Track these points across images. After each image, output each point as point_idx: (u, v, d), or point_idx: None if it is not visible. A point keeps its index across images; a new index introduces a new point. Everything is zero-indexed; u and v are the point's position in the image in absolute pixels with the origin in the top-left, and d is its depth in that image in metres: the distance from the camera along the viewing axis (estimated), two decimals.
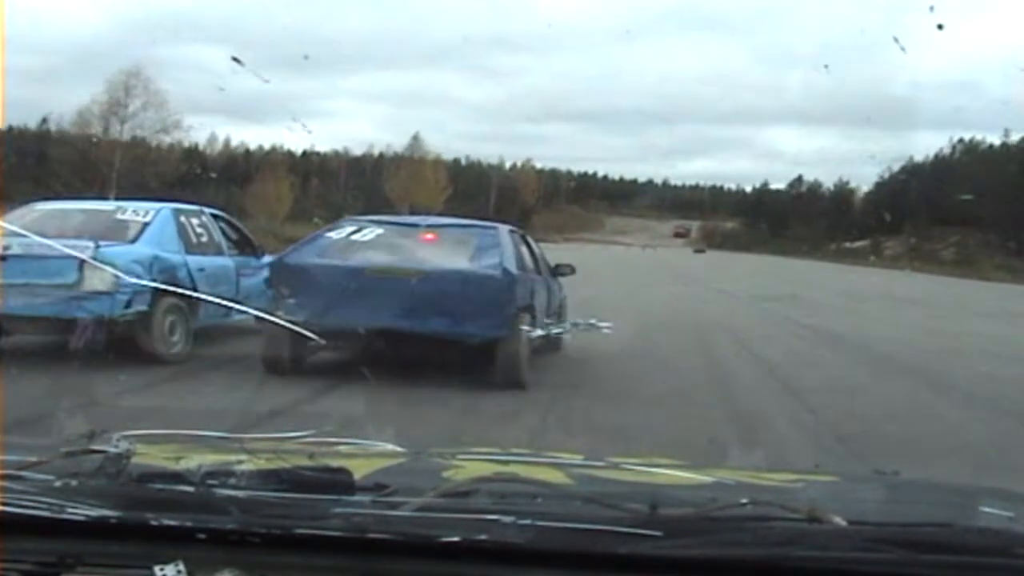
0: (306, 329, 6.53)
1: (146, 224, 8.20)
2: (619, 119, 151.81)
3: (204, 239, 8.86)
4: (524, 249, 8.39)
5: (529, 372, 7.34)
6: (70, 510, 1.10)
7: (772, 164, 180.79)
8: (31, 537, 1.10)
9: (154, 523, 1.09)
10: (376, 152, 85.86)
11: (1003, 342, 13.76)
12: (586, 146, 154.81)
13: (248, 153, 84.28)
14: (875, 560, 1.04)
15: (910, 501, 1.58)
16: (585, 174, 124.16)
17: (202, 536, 1.08)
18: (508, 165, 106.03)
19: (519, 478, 1.35)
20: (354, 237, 7.56)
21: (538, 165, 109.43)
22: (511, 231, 8.18)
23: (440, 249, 7.48)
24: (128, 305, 7.44)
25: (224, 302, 7.80)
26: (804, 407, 7.12)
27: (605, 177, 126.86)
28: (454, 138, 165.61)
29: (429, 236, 7.75)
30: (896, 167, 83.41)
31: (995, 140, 74.16)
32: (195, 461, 1.24)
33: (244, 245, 9.70)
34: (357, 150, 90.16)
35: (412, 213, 66.35)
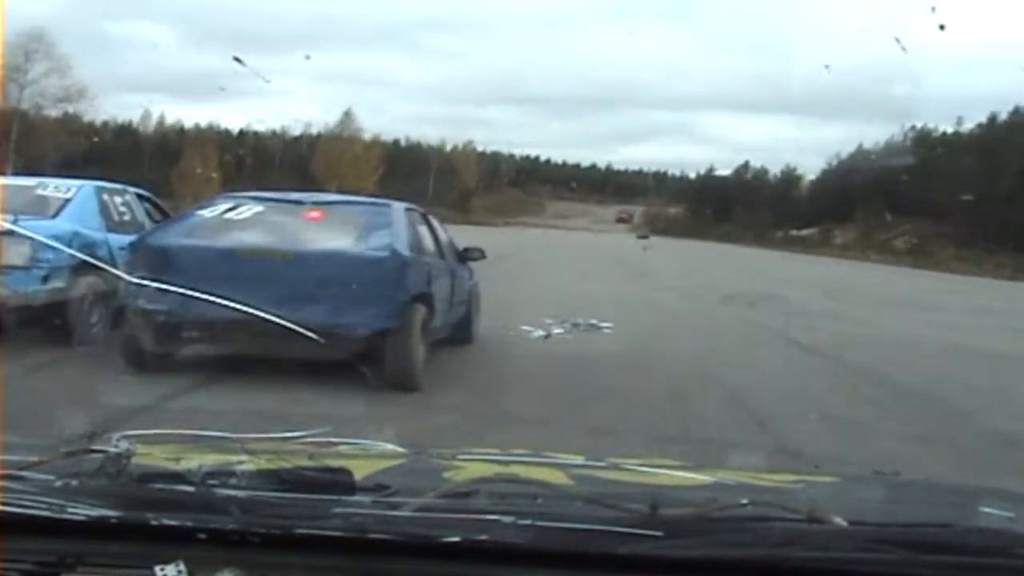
0: (170, 318, 6.14)
1: (67, 200, 8.03)
2: (563, 103, 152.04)
3: (127, 218, 8.69)
4: (423, 230, 7.69)
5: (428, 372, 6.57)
6: (70, 510, 1.10)
7: (717, 151, 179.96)
8: (31, 537, 1.10)
9: (154, 523, 1.09)
10: (315, 132, 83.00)
11: None
12: (529, 130, 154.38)
13: (183, 131, 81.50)
14: (875, 560, 1.04)
15: (910, 501, 1.58)
16: (527, 157, 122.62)
17: (202, 536, 1.08)
18: (449, 147, 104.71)
19: (519, 478, 1.35)
20: (228, 215, 6.82)
21: (480, 148, 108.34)
22: (408, 209, 7.47)
23: (324, 229, 6.76)
24: (45, 281, 7.23)
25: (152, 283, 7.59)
26: None
27: (548, 161, 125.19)
28: (397, 120, 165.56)
29: (314, 214, 7.00)
30: (844, 154, 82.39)
31: (948, 128, 73.50)
32: (195, 461, 1.24)
33: None
34: (298, 130, 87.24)
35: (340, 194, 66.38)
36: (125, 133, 74.02)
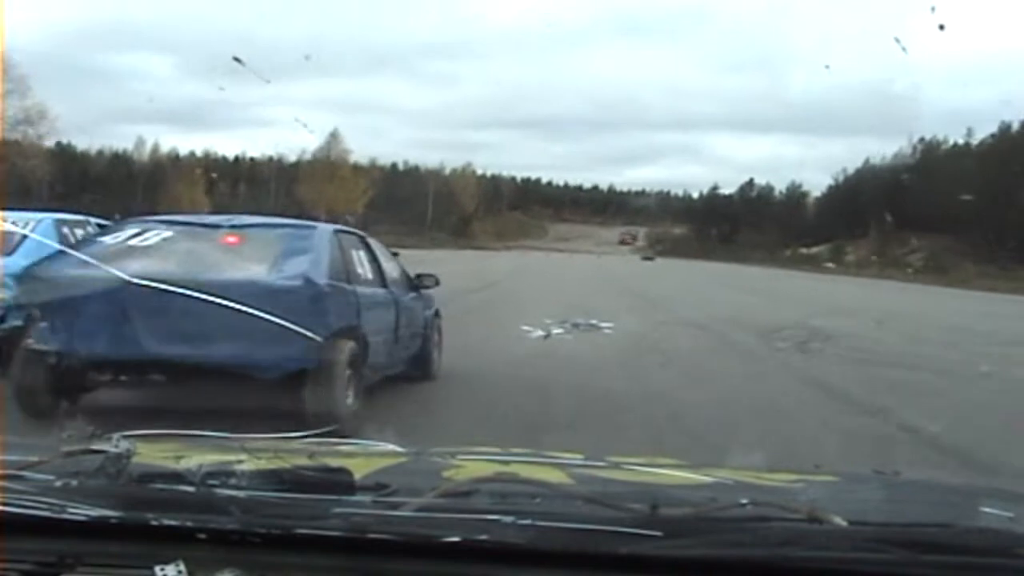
0: (66, 360, 5.52)
1: (24, 237, 7.56)
2: (564, 126, 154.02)
3: None
4: (358, 255, 6.92)
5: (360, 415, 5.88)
6: (70, 510, 1.10)
7: (720, 171, 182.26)
8: (31, 537, 1.10)
9: (154, 523, 1.09)
10: (310, 158, 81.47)
11: None
12: (531, 153, 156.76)
13: (178, 159, 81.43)
14: (875, 560, 1.04)
15: (910, 501, 1.58)
16: (528, 180, 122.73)
17: (202, 536, 1.08)
18: (448, 171, 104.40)
19: (519, 478, 1.35)
20: (132, 242, 6.11)
21: (479, 171, 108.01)
22: (338, 232, 6.86)
23: (236, 255, 6.02)
24: (2, 320, 6.98)
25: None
26: None
27: (549, 183, 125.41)
28: (397, 145, 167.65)
29: (231, 239, 6.26)
30: (851, 169, 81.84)
31: (958, 139, 72.56)
32: (195, 461, 1.24)
33: None
34: (293, 156, 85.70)
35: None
36: (120, 162, 73.64)
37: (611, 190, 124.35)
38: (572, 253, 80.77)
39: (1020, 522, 1.29)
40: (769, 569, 1.05)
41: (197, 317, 5.38)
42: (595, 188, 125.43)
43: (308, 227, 6.73)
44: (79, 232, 8.58)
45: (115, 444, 1.26)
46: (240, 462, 1.28)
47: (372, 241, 7.59)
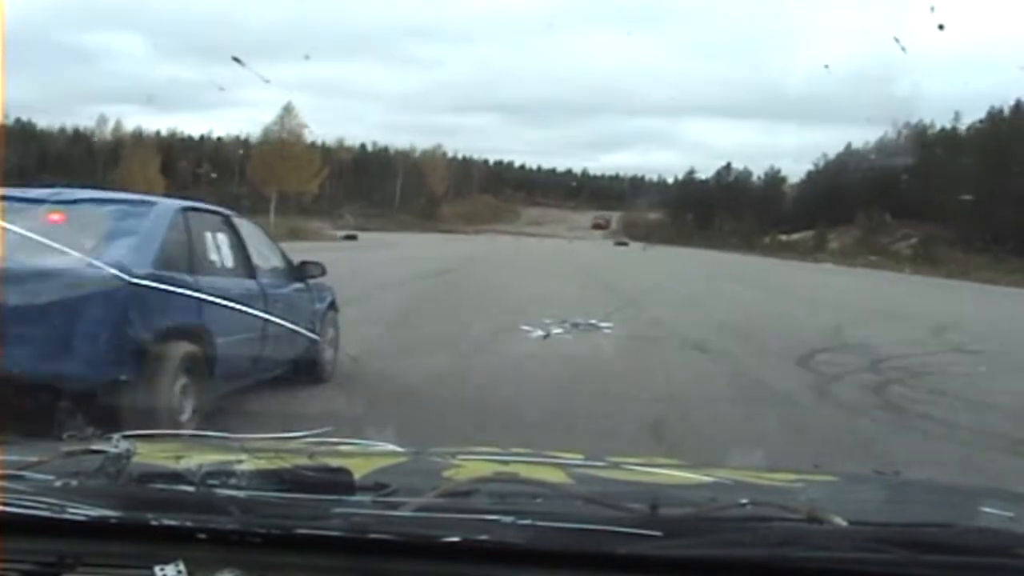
0: None
1: None
2: (539, 111, 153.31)
3: None
4: (214, 240, 5.85)
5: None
6: (70, 510, 1.10)
7: (695, 157, 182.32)
8: (31, 537, 1.10)
9: (154, 523, 1.09)
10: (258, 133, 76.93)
11: None
12: (505, 137, 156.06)
13: (141, 138, 78.47)
14: (875, 560, 1.04)
15: (910, 501, 1.58)
16: (500, 163, 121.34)
17: (202, 536, 1.08)
18: (418, 153, 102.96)
19: (519, 478, 1.35)
20: None
21: (449, 153, 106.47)
22: (185, 210, 5.69)
23: (55, 236, 4.87)
24: None
25: None
26: None
27: (522, 167, 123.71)
28: (373, 129, 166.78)
29: (55, 217, 5.22)
30: (832, 154, 79.39)
31: (946, 124, 69.57)
32: (195, 461, 1.24)
33: None
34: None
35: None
36: (80, 140, 72.42)
37: (585, 174, 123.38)
38: (543, 237, 78.47)
39: (1020, 522, 1.30)
40: (769, 569, 1.05)
41: None
42: (568, 172, 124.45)
43: (146, 204, 5.63)
44: None
45: (115, 444, 1.26)
46: (240, 462, 1.28)
47: (241, 222, 6.43)
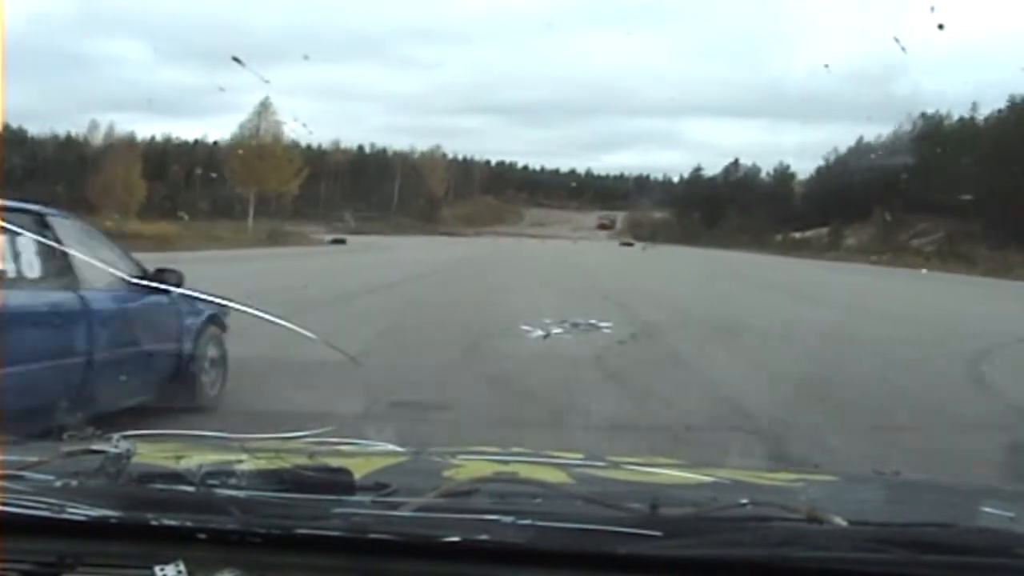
0: None
1: None
2: (541, 112, 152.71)
3: None
4: (12, 244, 4.86)
5: None
6: (70, 510, 1.10)
7: (699, 156, 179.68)
8: (31, 537, 1.10)
9: (154, 523, 1.09)
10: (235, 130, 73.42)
11: None
12: (506, 139, 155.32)
13: (133, 143, 76.14)
14: (875, 560, 1.04)
15: (910, 501, 1.58)
16: (503, 163, 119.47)
17: (202, 536, 1.08)
18: (417, 154, 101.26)
19: (519, 478, 1.35)
20: None
21: (449, 154, 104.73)
22: None
23: None
24: None
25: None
26: None
27: (525, 167, 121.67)
28: (373, 132, 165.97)
29: None
30: (843, 149, 76.92)
31: (963, 114, 66.79)
32: (195, 461, 1.24)
33: None
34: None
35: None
36: (71, 146, 71.49)
37: (588, 174, 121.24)
38: (546, 239, 76.18)
39: (1020, 522, 1.29)
40: (769, 569, 1.05)
41: None
42: (572, 172, 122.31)
43: None
44: None
45: (115, 444, 1.26)
46: (240, 462, 1.28)
47: (63, 223, 5.44)
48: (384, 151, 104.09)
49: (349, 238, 55.77)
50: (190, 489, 1.15)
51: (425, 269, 25.86)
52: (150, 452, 1.37)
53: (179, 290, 5.85)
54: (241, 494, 1.14)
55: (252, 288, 11.11)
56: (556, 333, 10.89)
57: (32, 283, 4.90)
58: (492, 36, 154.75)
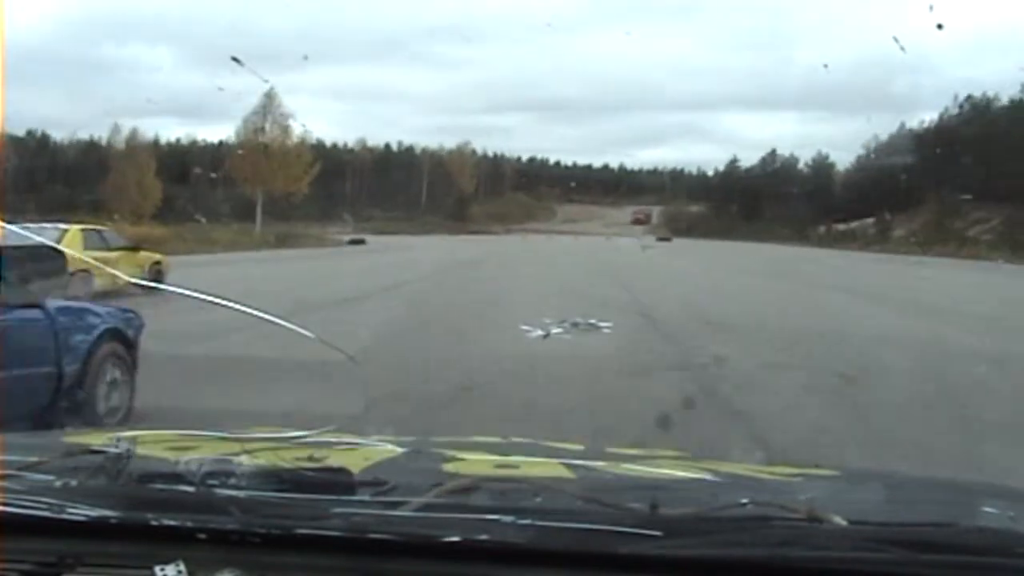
0: None
1: None
2: (572, 108, 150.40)
3: None
4: None
5: None
6: (70, 510, 1.10)
7: (733, 150, 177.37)
8: (31, 537, 1.10)
9: (154, 523, 1.09)
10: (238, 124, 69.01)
11: None
12: (539, 136, 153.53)
13: (156, 145, 74.84)
14: (875, 560, 1.04)
15: (910, 501, 1.58)
16: (534, 159, 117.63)
17: (202, 536, 1.08)
18: (446, 152, 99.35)
19: (519, 476, 1.35)
20: None
21: (479, 151, 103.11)
22: None
23: None
24: None
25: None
26: None
27: (557, 163, 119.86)
28: (404, 132, 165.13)
29: None
30: (884, 136, 73.71)
31: (1014, 95, 62.28)
32: (195, 461, 1.24)
33: None
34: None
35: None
36: (92, 151, 70.79)
37: (622, 169, 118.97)
38: (579, 235, 73.13)
39: (1020, 522, 1.29)
40: (769, 569, 1.05)
41: None
42: (605, 167, 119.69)
43: None
44: None
45: (115, 444, 1.26)
46: (240, 462, 1.28)
47: None
48: (411, 149, 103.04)
49: (373, 238, 53.49)
50: (190, 489, 1.15)
51: (426, 271, 24.41)
52: (150, 452, 1.37)
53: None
54: (241, 494, 1.14)
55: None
56: (555, 333, 10.72)
57: None
58: (523, 34, 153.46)
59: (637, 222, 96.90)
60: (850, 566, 1.04)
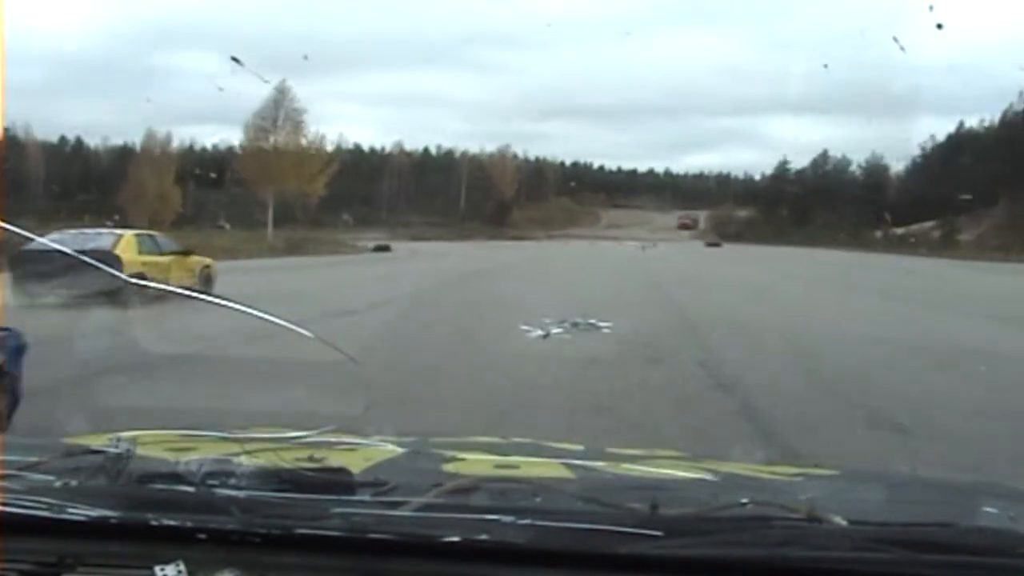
0: None
1: None
2: (618, 114, 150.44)
3: None
4: None
5: None
6: (70, 510, 1.10)
7: (779, 154, 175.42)
8: (31, 537, 1.10)
9: (154, 523, 1.09)
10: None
11: None
12: (584, 142, 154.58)
13: (191, 151, 75.98)
14: (875, 560, 1.04)
15: (910, 501, 1.58)
16: (578, 164, 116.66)
17: (202, 536, 1.08)
18: (486, 156, 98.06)
19: (519, 476, 1.35)
20: None
21: (521, 155, 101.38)
22: None
23: None
24: None
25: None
26: None
27: (601, 168, 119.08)
28: (449, 138, 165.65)
29: None
30: (940, 137, 71.00)
31: None
32: (195, 461, 1.24)
33: None
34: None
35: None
36: (125, 157, 70.63)
37: (667, 174, 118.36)
38: (623, 241, 70.79)
39: (1020, 522, 1.29)
40: (769, 569, 1.05)
41: None
42: (651, 172, 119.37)
43: None
44: None
45: (115, 444, 1.26)
46: (240, 462, 1.28)
47: None
48: (451, 152, 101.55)
49: (407, 244, 51.14)
50: (190, 489, 1.15)
51: (437, 280, 22.28)
52: (150, 452, 1.37)
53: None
54: (241, 494, 1.14)
55: None
56: (556, 333, 10.65)
57: None
58: (569, 40, 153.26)
59: (684, 227, 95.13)
60: (850, 566, 1.04)
